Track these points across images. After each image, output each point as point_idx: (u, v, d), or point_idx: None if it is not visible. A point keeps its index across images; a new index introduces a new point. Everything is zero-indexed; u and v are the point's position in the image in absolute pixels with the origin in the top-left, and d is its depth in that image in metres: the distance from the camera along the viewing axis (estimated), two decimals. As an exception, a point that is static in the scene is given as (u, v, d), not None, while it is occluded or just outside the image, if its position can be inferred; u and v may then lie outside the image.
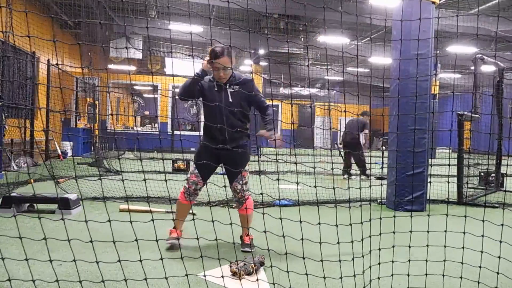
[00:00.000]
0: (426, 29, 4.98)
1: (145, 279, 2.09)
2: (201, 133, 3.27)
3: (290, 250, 2.42)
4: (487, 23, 10.46)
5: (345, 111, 3.04)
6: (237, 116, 3.11)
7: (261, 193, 2.37)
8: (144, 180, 1.95)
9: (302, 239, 2.23)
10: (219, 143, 3.05)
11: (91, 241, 1.94)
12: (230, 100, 3.08)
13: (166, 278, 2.11)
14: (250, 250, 3.15)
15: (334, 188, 2.38)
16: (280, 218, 2.18)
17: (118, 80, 15.23)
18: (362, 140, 8.41)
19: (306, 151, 15.47)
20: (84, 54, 10.61)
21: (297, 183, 2.14)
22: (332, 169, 2.30)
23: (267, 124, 3.20)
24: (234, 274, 2.58)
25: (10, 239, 3.17)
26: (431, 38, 5.00)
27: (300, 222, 2.21)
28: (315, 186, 2.27)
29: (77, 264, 2.12)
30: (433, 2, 5.06)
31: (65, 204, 4.16)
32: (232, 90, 3.11)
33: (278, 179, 2.21)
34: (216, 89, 3.13)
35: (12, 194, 4.29)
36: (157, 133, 16.71)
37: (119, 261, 2.05)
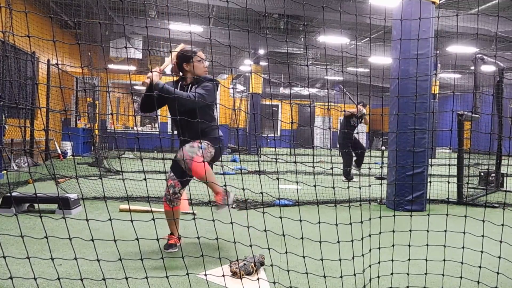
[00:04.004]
0: (426, 29, 4.99)
1: (146, 277, 2.09)
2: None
3: (290, 249, 2.43)
4: (487, 23, 10.47)
5: (344, 111, 3.05)
6: (200, 114, 3.03)
7: (261, 192, 2.37)
8: (145, 179, 1.95)
9: (302, 238, 2.24)
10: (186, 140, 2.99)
11: (92, 240, 1.94)
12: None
13: (167, 277, 2.11)
14: (223, 205, 2.92)
15: (334, 188, 2.38)
16: (280, 217, 2.18)
17: (118, 80, 15.24)
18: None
19: (306, 151, 15.48)
20: (84, 54, 10.62)
21: (297, 183, 2.14)
22: (332, 168, 2.31)
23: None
24: (234, 274, 2.58)
25: (10, 240, 3.18)
26: (431, 37, 5.01)
27: (300, 221, 2.21)
28: (314, 186, 2.28)
29: (78, 263, 2.12)
30: (433, 2, 5.06)
31: (65, 204, 4.16)
32: (194, 88, 3.09)
33: (278, 178, 2.22)
34: (179, 89, 3.13)
35: (12, 194, 4.30)
36: (157, 133, 16.73)
37: (120, 259, 2.06)
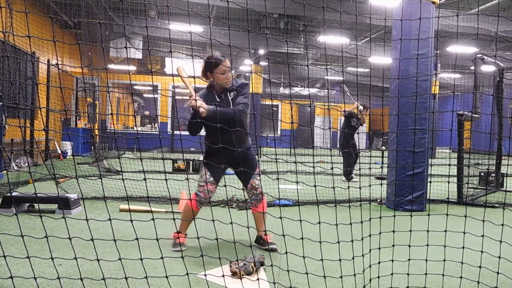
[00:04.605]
0: (426, 29, 4.98)
1: (146, 277, 2.09)
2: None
3: (290, 249, 2.43)
4: (487, 23, 10.47)
5: (345, 111, 3.06)
6: (239, 120, 3.09)
7: (261, 193, 2.37)
8: (145, 179, 1.95)
9: (302, 238, 2.24)
10: (230, 147, 2.93)
11: (92, 240, 1.94)
12: (231, 106, 3.09)
13: (166, 277, 2.11)
14: (276, 246, 3.12)
15: (334, 188, 2.38)
16: (280, 218, 2.18)
17: (118, 80, 15.25)
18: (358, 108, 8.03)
19: (306, 151, 15.49)
20: (85, 54, 10.63)
21: (297, 183, 2.14)
22: (332, 168, 2.31)
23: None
24: (234, 274, 2.58)
25: (10, 240, 3.18)
26: (431, 38, 5.00)
27: (300, 221, 2.21)
28: (314, 186, 2.28)
29: (78, 263, 2.12)
30: (433, 2, 5.06)
31: (65, 204, 4.16)
32: (232, 96, 3.13)
33: (278, 179, 2.22)
34: (217, 99, 3.12)
35: (12, 194, 4.29)
36: (157, 133, 16.72)
37: (119, 259, 2.05)
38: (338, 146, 8.63)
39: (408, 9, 4.86)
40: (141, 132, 16.97)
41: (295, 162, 2.20)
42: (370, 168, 2.79)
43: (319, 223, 2.20)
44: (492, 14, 9.91)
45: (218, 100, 3.12)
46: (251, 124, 15.84)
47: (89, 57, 10.73)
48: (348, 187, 2.47)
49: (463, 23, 10.47)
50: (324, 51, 14.62)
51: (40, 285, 2.29)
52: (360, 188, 2.16)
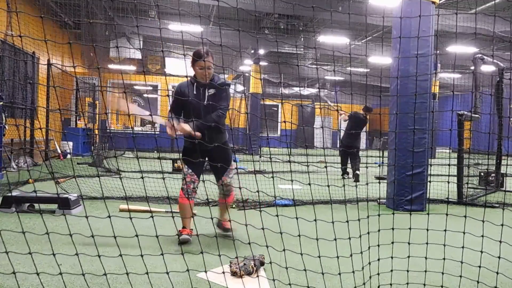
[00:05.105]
0: (426, 28, 4.99)
1: (147, 273, 2.10)
2: None
3: (289, 247, 2.43)
4: (487, 23, 10.46)
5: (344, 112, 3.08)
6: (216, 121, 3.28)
7: (257, 191, 2.37)
8: (142, 178, 1.95)
9: (299, 235, 2.24)
10: (203, 142, 3.15)
11: (92, 236, 1.94)
12: (205, 102, 3.25)
13: (167, 273, 2.12)
14: (231, 233, 3.26)
15: (328, 186, 2.39)
16: (277, 215, 2.19)
17: (118, 80, 15.25)
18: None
19: (307, 151, 15.47)
20: (86, 54, 10.62)
21: (291, 181, 2.15)
22: (326, 166, 2.31)
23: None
24: (234, 274, 2.58)
25: (11, 240, 3.19)
26: (431, 36, 5.00)
27: (297, 219, 2.22)
28: (309, 184, 2.29)
29: (78, 261, 2.12)
30: (433, 2, 5.06)
31: (65, 204, 4.16)
32: (212, 92, 3.28)
33: (273, 178, 2.22)
34: (195, 91, 3.28)
35: (12, 194, 4.29)
36: (157, 133, 16.69)
37: (120, 255, 2.06)
38: (339, 146, 8.65)
39: (408, 9, 4.85)
40: (141, 132, 16.97)
41: (289, 161, 2.21)
42: (367, 167, 2.79)
43: (315, 220, 2.21)
44: (491, 14, 9.89)
45: (195, 93, 3.28)
46: (251, 124, 15.82)
47: (91, 57, 10.73)
48: (344, 185, 2.47)
49: (462, 23, 10.46)
50: (324, 51, 14.62)
51: (42, 280, 2.30)
52: (356, 186, 2.17)
